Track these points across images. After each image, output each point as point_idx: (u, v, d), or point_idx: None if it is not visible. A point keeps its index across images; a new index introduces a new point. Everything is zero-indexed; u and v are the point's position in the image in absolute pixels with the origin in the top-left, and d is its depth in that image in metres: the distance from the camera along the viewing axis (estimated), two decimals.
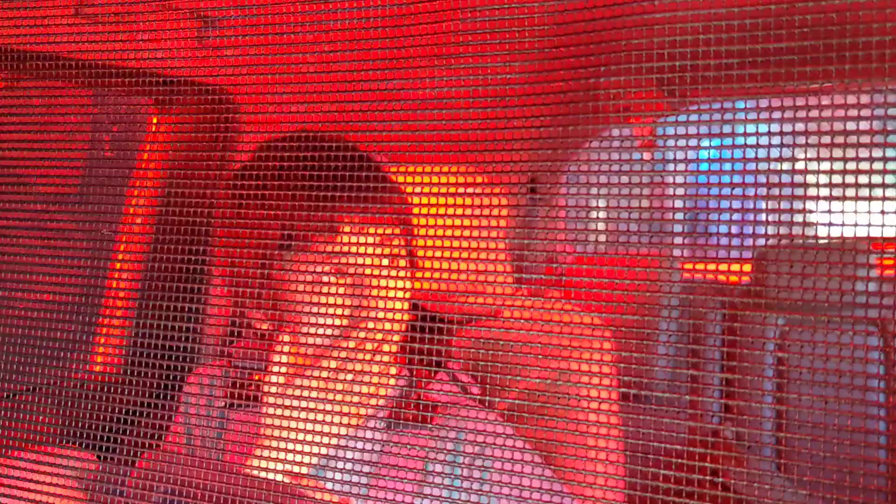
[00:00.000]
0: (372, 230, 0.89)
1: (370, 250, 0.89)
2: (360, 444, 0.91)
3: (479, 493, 0.85)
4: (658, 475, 0.67)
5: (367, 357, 0.85)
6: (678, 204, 0.68)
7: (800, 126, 0.58)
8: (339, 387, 0.81)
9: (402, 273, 0.92)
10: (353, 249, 0.89)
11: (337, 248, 0.88)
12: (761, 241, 0.64)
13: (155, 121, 1.11)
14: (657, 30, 0.62)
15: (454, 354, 0.93)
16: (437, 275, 0.86)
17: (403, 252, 0.93)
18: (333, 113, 0.79)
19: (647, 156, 0.67)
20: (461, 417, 0.91)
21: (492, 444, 0.87)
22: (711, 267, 0.68)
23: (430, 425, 0.92)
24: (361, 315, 0.86)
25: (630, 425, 0.70)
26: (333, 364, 0.82)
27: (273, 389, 0.85)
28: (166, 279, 0.88)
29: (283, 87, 0.78)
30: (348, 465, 0.90)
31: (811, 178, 0.59)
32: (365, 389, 0.83)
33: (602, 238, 0.71)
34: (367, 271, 0.88)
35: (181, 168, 0.88)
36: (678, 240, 0.67)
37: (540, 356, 0.91)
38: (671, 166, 0.66)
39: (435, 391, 0.95)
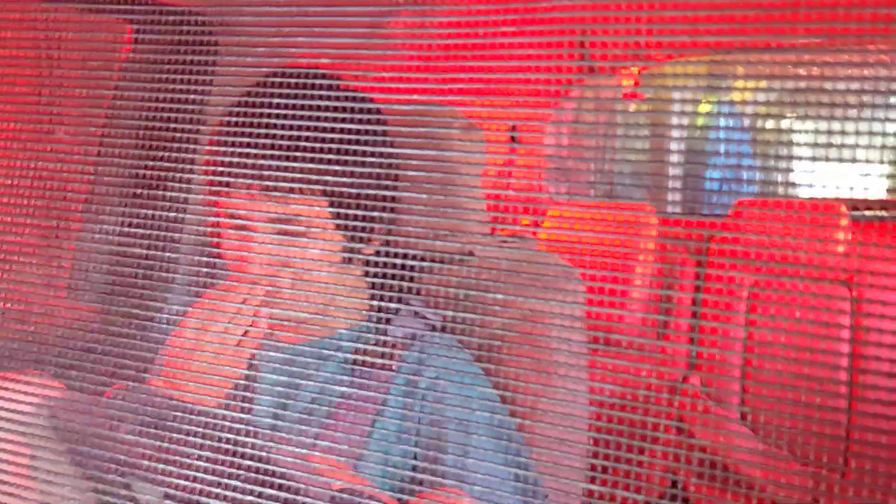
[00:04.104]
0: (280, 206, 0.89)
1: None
2: (319, 382, 0.92)
3: (432, 424, 0.87)
4: (622, 419, 0.68)
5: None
6: (662, 157, 0.68)
7: (788, 84, 0.57)
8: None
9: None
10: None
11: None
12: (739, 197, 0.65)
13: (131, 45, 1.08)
14: None
15: (424, 291, 0.93)
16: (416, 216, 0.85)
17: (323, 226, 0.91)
18: (309, 40, 0.77)
19: (631, 107, 0.66)
20: (423, 347, 0.92)
21: (447, 371, 0.88)
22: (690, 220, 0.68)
23: (391, 369, 0.93)
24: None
25: (597, 368, 0.71)
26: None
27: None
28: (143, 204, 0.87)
29: (260, 11, 0.76)
30: (305, 405, 0.92)
31: (795, 138, 0.59)
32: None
33: (582, 185, 0.71)
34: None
35: (160, 93, 0.85)
36: (660, 192, 0.67)
37: (510, 297, 0.92)
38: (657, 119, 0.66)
39: (397, 327, 0.95)
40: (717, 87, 0.60)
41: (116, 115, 1.01)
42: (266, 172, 0.82)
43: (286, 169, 0.79)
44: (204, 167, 0.87)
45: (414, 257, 0.81)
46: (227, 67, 0.87)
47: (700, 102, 0.61)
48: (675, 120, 0.66)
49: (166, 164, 0.85)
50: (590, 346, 0.94)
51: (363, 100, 0.83)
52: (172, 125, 0.84)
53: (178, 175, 0.84)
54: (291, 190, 0.86)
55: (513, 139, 0.78)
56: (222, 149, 0.85)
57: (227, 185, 0.89)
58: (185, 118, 0.84)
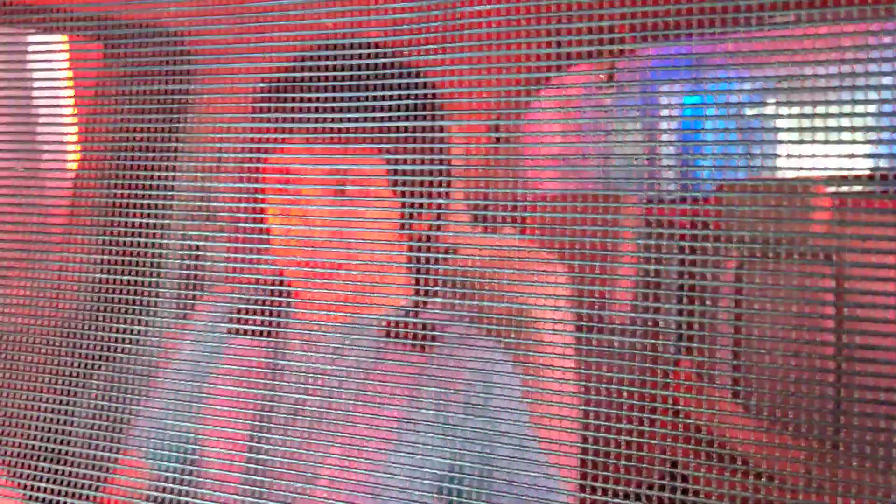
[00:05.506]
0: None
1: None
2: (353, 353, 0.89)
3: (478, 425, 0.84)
4: (617, 405, 0.68)
5: None
6: (641, 146, 0.68)
7: (762, 70, 0.58)
8: None
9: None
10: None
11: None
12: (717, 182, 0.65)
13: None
14: None
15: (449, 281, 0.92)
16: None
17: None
18: (289, 55, 0.78)
19: (607, 99, 0.67)
20: (458, 341, 0.90)
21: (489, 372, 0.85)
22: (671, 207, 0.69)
23: (427, 351, 0.90)
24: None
25: (586, 360, 0.71)
26: None
27: None
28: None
29: (239, 29, 0.76)
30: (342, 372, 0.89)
31: (777, 120, 0.60)
32: None
33: (567, 180, 0.71)
34: None
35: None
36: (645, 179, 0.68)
37: (498, 292, 0.91)
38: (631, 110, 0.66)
39: (432, 317, 0.94)
40: (697, 71, 0.61)
41: (91, 137, 1.00)
42: (322, 124, 0.80)
43: (345, 119, 0.77)
44: (250, 125, 0.85)
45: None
46: (204, 86, 0.86)
47: (680, 87, 0.62)
48: (659, 106, 0.67)
49: (145, 190, 0.85)
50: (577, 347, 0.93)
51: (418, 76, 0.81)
52: (149, 151, 0.84)
53: (157, 202, 0.84)
54: (349, 140, 0.82)
55: (497, 139, 0.78)
56: (274, 105, 0.83)
57: (282, 139, 0.85)
58: (162, 144, 0.84)
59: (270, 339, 0.90)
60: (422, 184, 0.80)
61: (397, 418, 0.85)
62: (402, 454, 0.82)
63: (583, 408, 0.73)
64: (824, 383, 0.65)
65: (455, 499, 0.82)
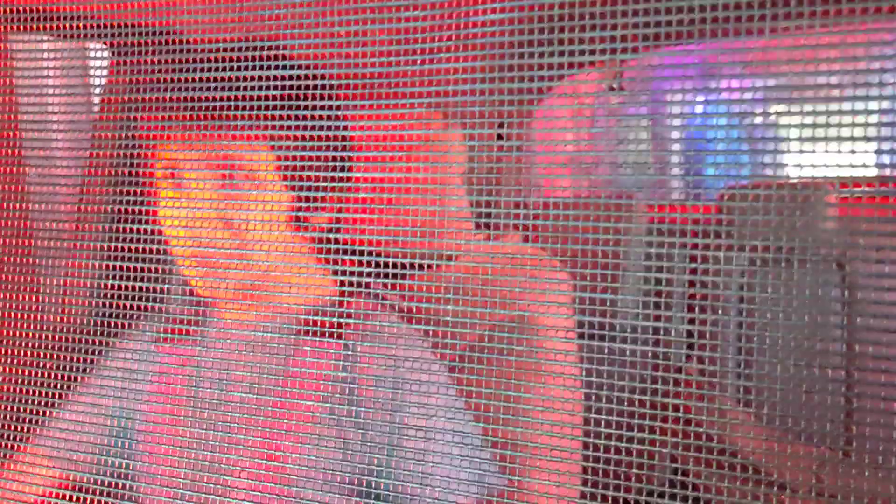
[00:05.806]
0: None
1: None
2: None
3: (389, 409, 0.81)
4: (619, 412, 0.67)
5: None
6: (648, 147, 0.68)
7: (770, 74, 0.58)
8: None
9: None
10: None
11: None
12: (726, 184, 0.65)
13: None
14: None
15: (399, 298, 0.89)
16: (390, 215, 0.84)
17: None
18: (295, 43, 0.76)
19: (614, 100, 0.66)
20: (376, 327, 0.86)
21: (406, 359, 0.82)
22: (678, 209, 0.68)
23: (344, 339, 0.87)
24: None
25: (590, 364, 0.70)
26: None
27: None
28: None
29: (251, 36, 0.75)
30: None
31: (783, 121, 0.59)
32: None
33: (571, 183, 0.71)
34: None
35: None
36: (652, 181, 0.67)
37: (498, 297, 0.90)
38: (639, 110, 0.66)
39: (355, 306, 0.91)
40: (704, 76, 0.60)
41: (99, 148, 1.00)
42: (203, 113, 0.76)
43: (225, 108, 0.74)
44: (140, 122, 0.82)
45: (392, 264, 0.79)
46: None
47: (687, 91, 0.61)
48: (663, 109, 0.66)
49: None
50: (581, 352, 0.92)
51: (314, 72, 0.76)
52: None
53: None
54: (232, 130, 0.78)
55: (500, 136, 0.77)
56: (159, 102, 0.80)
57: (165, 136, 0.82)
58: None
59: (189, 346, 0.90)
60: (316, 178, 0.75)
61: (315, 412, 0.82)
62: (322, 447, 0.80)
63: (586, 415, 0.72)
64: (836, 391, 0.64)
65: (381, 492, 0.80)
